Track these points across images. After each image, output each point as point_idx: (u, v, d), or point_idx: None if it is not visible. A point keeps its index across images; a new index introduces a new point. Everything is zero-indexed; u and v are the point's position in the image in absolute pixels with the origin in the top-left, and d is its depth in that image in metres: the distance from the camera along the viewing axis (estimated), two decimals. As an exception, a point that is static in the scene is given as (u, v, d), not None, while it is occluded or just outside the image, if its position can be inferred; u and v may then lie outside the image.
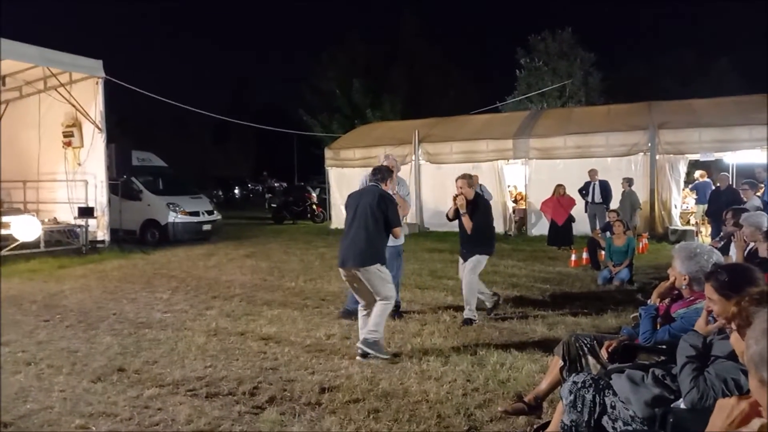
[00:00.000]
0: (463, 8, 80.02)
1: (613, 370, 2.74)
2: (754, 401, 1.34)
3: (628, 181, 12.09)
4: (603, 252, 8.96)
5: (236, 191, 38.98)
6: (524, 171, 14.75)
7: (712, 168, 14.74)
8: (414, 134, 15.72)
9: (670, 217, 13.48)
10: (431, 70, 30.41)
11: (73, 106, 12.27)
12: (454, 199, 6.03)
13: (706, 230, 12.82)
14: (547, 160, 14.15)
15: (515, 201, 15.72)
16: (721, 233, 6.83)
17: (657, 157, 13.21)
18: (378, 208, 4.78)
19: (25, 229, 10.83)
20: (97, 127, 12.32)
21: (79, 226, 11.90)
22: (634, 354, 2.95)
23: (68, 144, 12.87)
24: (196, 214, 14.23)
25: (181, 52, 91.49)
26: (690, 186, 14.80)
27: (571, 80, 26.43)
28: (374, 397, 3.89)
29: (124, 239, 12.92)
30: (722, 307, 2.39)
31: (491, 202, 13.18)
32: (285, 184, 35.89)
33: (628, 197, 11.93)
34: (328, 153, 17.54)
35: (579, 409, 2.57)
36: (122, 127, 25.16)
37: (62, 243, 11.98)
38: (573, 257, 9.85)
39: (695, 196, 14.41)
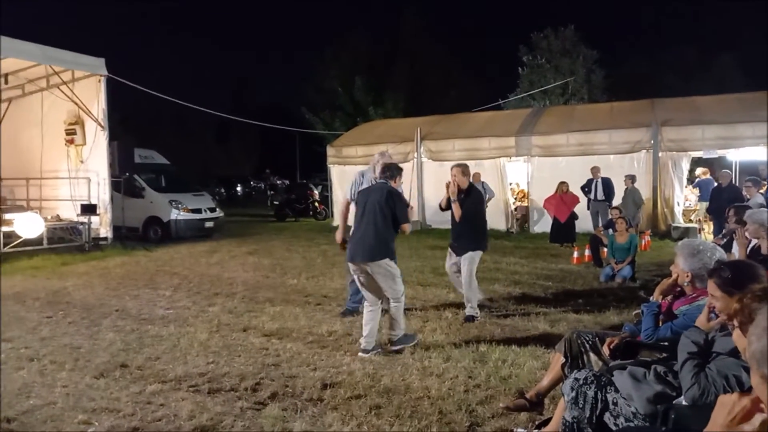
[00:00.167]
0: (465, 6, 79.77)
1: (614, 367, 2.74)
2: (755, 398, 1.34)
3: (631, 179, 12.06)
4: (605, 249, 8.94)
5: (239, 189, 39.00)
6: (526, 168, 14.72)
7: (715, 165, 14.71)
8: (416, 132, 15.70)
9: (672, 214, 13.43)
10: (433, 67, 30.31)
11: (76, 103, 12.29)
12: (447, 186, 5.98)
13: (708, 227, 12.79)
14: (549, 158, 14.11)
15: (518, 199, 15.70)
16: (724, 230, 6.83)
17: (660, 154, 13.16)
18: (386, 204, 4.88)
19: (28, 226, 10.87)
20: (100, 124, 12.35)
21: (82, 224, 11.92)
22: (636, 351, 2.95)
23: (71, 141, 12.91)
24: (198, 211, 14.23)
25: (181, 52, 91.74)
26: (693, 183, 14.77)
27: (573, 77, 26.34)
28: (376, 394, 3.90)
29: (126, 236, 12.96)
30: (725, 304, 2.39)
31: (493, 199, 13.40)
32: (287, 182, 35.83)
33: (631, 194, 11.91)
34: (330, 150, 17.55)
35: (581, 406, 2.57)
36: (125, 125, 25.15)
37: (65, 240, 12.03)
38: (575, 254, 9.83)
39: (698, 194, 14.37)
